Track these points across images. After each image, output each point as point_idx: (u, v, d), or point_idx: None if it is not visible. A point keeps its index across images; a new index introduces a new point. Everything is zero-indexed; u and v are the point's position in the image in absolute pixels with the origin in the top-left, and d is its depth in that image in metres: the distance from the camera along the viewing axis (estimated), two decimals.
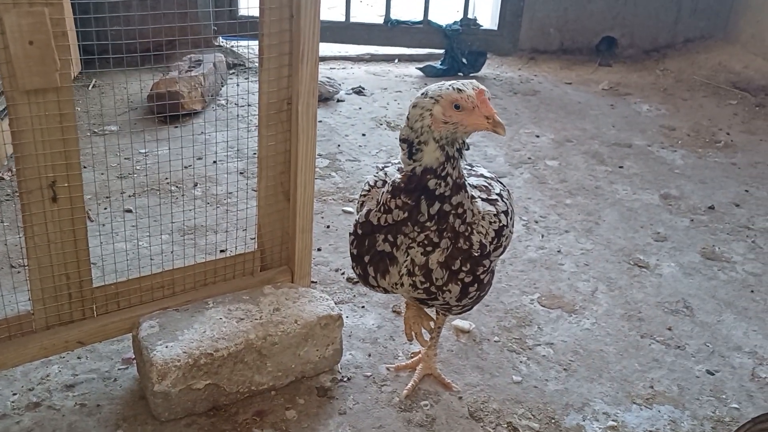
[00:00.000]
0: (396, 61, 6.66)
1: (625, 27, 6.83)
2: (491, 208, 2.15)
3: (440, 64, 6.32)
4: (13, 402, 2.41)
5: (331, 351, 2.59)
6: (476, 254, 2.10)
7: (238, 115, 5.40)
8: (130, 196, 4.00)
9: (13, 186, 3.93)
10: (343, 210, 3.98)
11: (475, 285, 2.16)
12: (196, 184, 4.24)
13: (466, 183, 2.08)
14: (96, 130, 4.68)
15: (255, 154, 4.61)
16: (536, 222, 3.93)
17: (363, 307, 3.06)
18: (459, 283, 2.12)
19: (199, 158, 4.59)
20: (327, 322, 2.52)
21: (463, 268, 2.11)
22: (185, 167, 4.33)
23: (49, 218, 2.22)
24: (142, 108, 5.23)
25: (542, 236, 3.78)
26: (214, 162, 4.53)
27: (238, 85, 6.00)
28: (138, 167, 4.35)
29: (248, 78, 6.27)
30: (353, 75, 6.27)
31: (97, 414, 2.38)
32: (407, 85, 6.07)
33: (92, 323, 2.46)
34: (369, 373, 2.65)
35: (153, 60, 5.95)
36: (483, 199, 2.16)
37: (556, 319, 3.07)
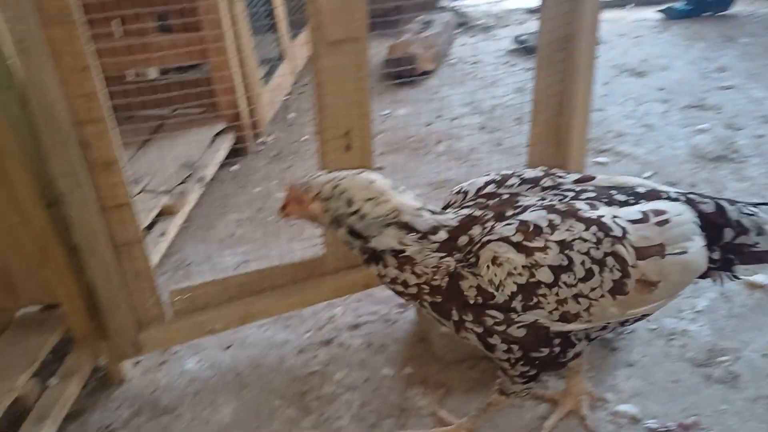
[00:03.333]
0: (632, 5, 6.20)
1: None
2: (516, 257, 1.65)
3: (684, 4, 5.76)
4: (308, 338, 2.62)
5: None
6: (472, 302, 1.72)
7: (469, 73, 5.40)
8: (379, 155, 4.16)
9: (277, 147, 4.28)
10: (594, 161, 3.79)
11: (494, 336, 1.74)
12: (439, 142, 4.29)
13: (383, 253, 1.76)
14: None
15: (492, 109, 4.60)
16: None
17: None
18: (471, 331, 1.78)
19: (439, 116, 4.66)
20: None
21: (465, 317, 1.75)
22: (426, 125, 4.45)
23: (343, 166, 2.33)
24: (377, 72, 5.41)
25: None
26: (453, 119, 4.56)
27: (465, 44, 6.03)
28: (382, 127, 4.51)
29: (475, 36, 6.24)
30: None
31: (384, 352, 2.51)
32: (647, 30, 5.62)
33: None
34: (654, 327, 2.49)
35: (383, 26, 6.16)
36: (514, 243, 1.66)
37: None
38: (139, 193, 3.23)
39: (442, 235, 1.74)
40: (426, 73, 5.25)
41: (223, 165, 3.89)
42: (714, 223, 1.81)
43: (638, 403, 2.17)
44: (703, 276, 1.84)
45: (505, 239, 1.66)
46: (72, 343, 2.39)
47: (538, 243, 1.64)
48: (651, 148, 3.87)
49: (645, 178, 3.53)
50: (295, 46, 5.15)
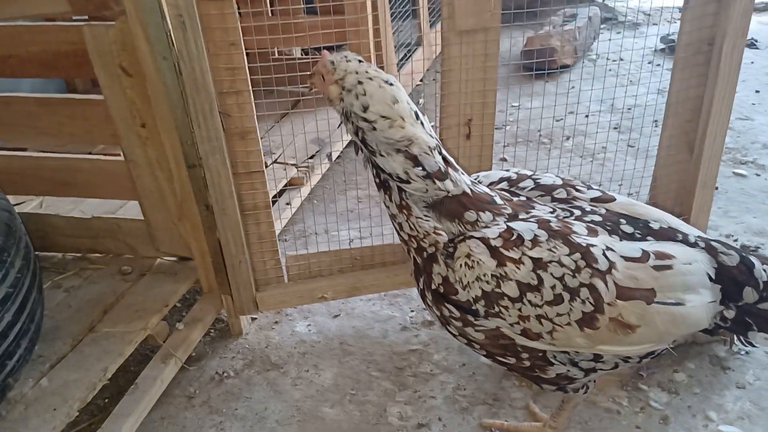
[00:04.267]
0: None
1: None
2: (488, 262, 1.58)
3: None
4: (411, 317, 2.70)
5: None
6: (435, 287, 1.67)
7: (609, 69, 5.21)
8: (504, 146, 4.15)
9: None
10: (733, 172, 3.57)
11: (452, 327, 1.71)
12: (568, 137, 4.20)
13: (388, 182, 1.66)
14: None
15: (629, 109, 4.43)
16: None
17: None
18: (431, 309, 1.74)
19: (571, 112, 4.55)
20: None
21: (427, 294, 1.69)
22: (557, 120, 4.36)
23: (461, 153, 2.39)
24: (513, 63, 5.35)
25: None
26: (586, 116, 4.43)
27: (610, 39, 5.81)
28: (510, 119, 4.48)
29: (620, 32, 6.00)
30: None
31: None
32: None
33: None
34: None
35: (525, 17, 6.07)
36: (491, 247, 1.59)
37: None
38: (272, 163, 3.45)
39: (450, 186, 1.64)
40: (564, 67, 5.14)
41: (351, 143, 4.04)
42: (735, 278, 1.65)
43: (743, 427, 2.07)
44: (709, 332, 1.69)
45: (485, 240, 1.60)
46: (199, 294, 2.62)
47: (514, 254, 1.57)
48: None
49: None
50: (433, 33, 5.21)
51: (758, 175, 3.53)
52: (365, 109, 1.60)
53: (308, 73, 1.75)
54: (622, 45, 5.67)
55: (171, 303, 2.47)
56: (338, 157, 3.87)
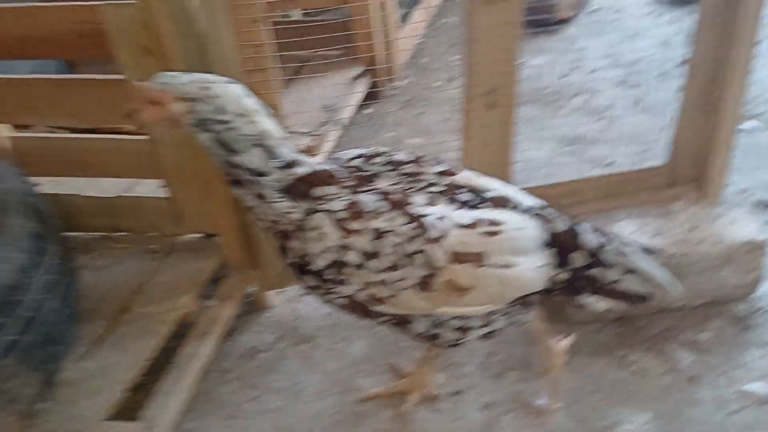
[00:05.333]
0: None
1: None
2: (334, 233, 1.70)
3: None
4: None
5: (751, 279, 2.41)
6: (294, 261, 1.78)
7: (612, 22, 5.17)
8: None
9: (410, 93, 4.35)
10: (741, 128, 3.59)
11: (317, 296, 1.84)
12: (575, 95, 4.19)
13: (244, 179, 1.73)
14: None
15: (633, 63, 4.42)
16: None
17: None
18: (301, 281, 1.84)
19: (575, 68, 4.53)
20: (751, 247, 2.35)
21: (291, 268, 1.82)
22: (562, 77, 4.35)
23: (484, 123, 2.39)
24: None
25: None
26: (591, 71, 4.42)
27: None
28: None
29: None
30: None
31: None
32: None
33: None
34: None
35: None
36: (338, 219, 1.70)
37: None
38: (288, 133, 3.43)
39: (300, 171, 1.74)
40: (564, 21, 5.08)
41: (358, 108, 4.02)
42: (563, 244, 1.77)
43: None
44: (547, 293, 1.83)
45: (331, 214, 1.71)
46: (227, 270, 2.64)
47: (357, 226, 1.70)
48: None
49: None
50: None
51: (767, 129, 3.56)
52: (221, 110, 1.65)
53: (127, 112, 1.74)
54: None
55: (201, 280, 2.50)
56: (347, 122, 3.85)
